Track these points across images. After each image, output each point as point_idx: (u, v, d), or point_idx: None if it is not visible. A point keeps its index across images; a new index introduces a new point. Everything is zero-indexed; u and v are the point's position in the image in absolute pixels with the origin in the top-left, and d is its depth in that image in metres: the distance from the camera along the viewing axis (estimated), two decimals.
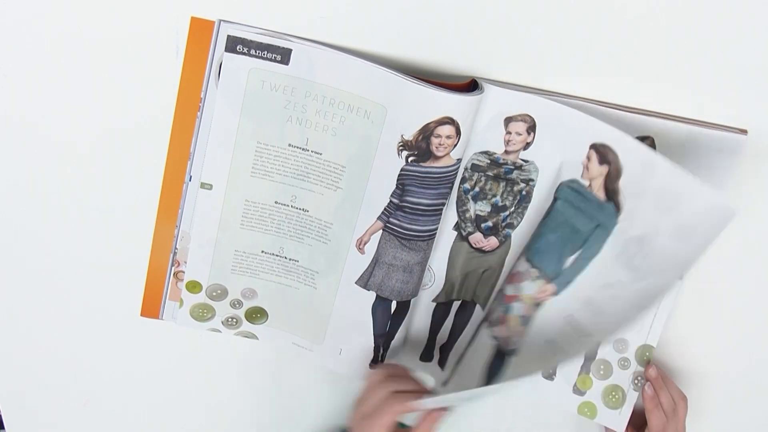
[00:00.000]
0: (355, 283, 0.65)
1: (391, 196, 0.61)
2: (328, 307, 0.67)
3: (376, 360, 0.69)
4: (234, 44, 0.56)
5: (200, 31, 0.57)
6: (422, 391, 0.62)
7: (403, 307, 0.67)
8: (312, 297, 0.67)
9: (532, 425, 0.79)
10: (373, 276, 0.64)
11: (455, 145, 0.59)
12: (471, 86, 0.59)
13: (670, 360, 0.74)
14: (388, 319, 0.67)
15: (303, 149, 0.61)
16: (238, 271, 0.67)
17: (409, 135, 0.58)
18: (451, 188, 0.62)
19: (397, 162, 0.59)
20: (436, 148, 0.58)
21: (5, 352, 0.73)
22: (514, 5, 0.57)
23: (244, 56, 0.57)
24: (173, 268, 0.66)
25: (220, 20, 0.57)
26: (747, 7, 0.57)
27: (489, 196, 0.63)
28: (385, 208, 0.62)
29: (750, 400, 0.76)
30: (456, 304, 0.69)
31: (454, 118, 0.57)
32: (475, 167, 0.62)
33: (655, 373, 0.70)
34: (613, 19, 0.58)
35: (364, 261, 0.64)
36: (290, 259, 0.66)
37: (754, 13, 0.58)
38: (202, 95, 0.59)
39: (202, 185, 0.62)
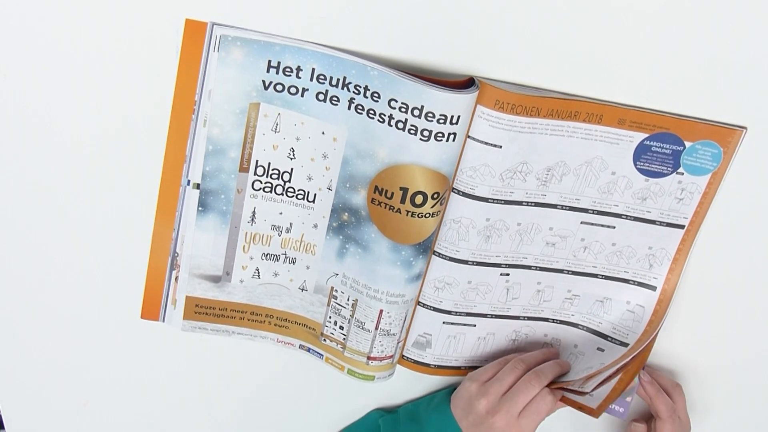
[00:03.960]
0: None
1: None
2: None
3: None
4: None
5: (195, 33, 0.57)
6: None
7: None
8: None
9: None
10: None
11: None
12: (470, 84, 0.59)
13: (667, 358, 0.74)
14: None
15: None
16: None
17: None
18: None
19: None
20: None
21: (5, 352, 0.73)
22: (514, 5, 0.57)
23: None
24: (174, 272, 0.66)
25: (213, 23, 0.56)
26: (746, 4, 0.57)
27: None
28: None
29: (747, 398, 0.76)
30: None
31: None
32: None
33: (648, 378, 0.70)
34: (612, 18, 0.57)
35: None
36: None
37: (753, 11, 0.57)
38: (196, 98, 0.59)
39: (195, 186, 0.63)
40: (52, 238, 0.67)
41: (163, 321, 0.68)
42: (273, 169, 0.62)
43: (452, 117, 0.56)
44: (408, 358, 0.72)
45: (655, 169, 0.64)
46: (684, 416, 0.70)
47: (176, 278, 0.66)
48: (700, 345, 0.73)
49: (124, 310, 0.70)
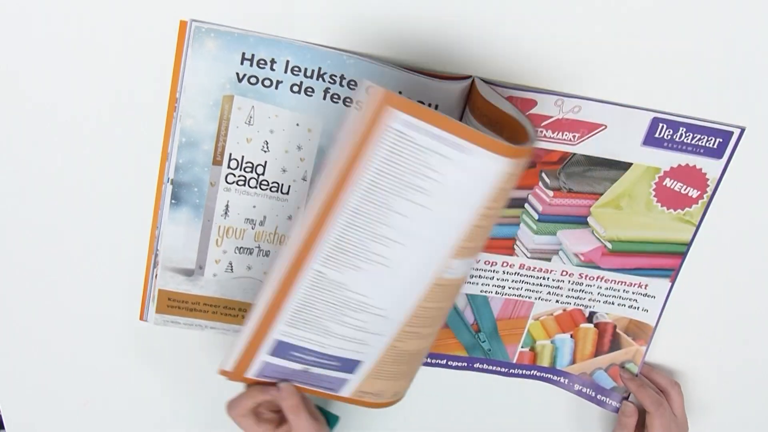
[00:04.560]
0: None
1: None
2: None
3: None
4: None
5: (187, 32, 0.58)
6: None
7: None
8: None
9: (530, 424, 0.78)
10: None
11: None
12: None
13: (667, 358, 0.73)
14: None
15: None
16: None
17: None
18: None
19: None
20: None
21: (5, 352, 0.75)
22: (513, 6, 0.57)
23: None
24: (155, 269, 0.66)
25: (192, 20, 0.57)
26: (745, 3, 0.56)
27: None
28: None
29: (746, 398, 0.76)
30: None
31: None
32: None
33: (628, 375, 0.71)
34: (611, 17, 0.57)
35: None
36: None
37: (753, 10, 0.56)
38: (177, 95, 0.59)
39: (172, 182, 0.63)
40: (53, 237, 0.68)
41: (146, 320, 0.68)
42: (246, 162, 0.62)
43: (429, 105, 0.56)
44: None
45: None
46: (681, 415, 0.70)
47: (156, 275, 0.66)
48: (699, 345, 0.73)
49: (123, 311, 0.71)
